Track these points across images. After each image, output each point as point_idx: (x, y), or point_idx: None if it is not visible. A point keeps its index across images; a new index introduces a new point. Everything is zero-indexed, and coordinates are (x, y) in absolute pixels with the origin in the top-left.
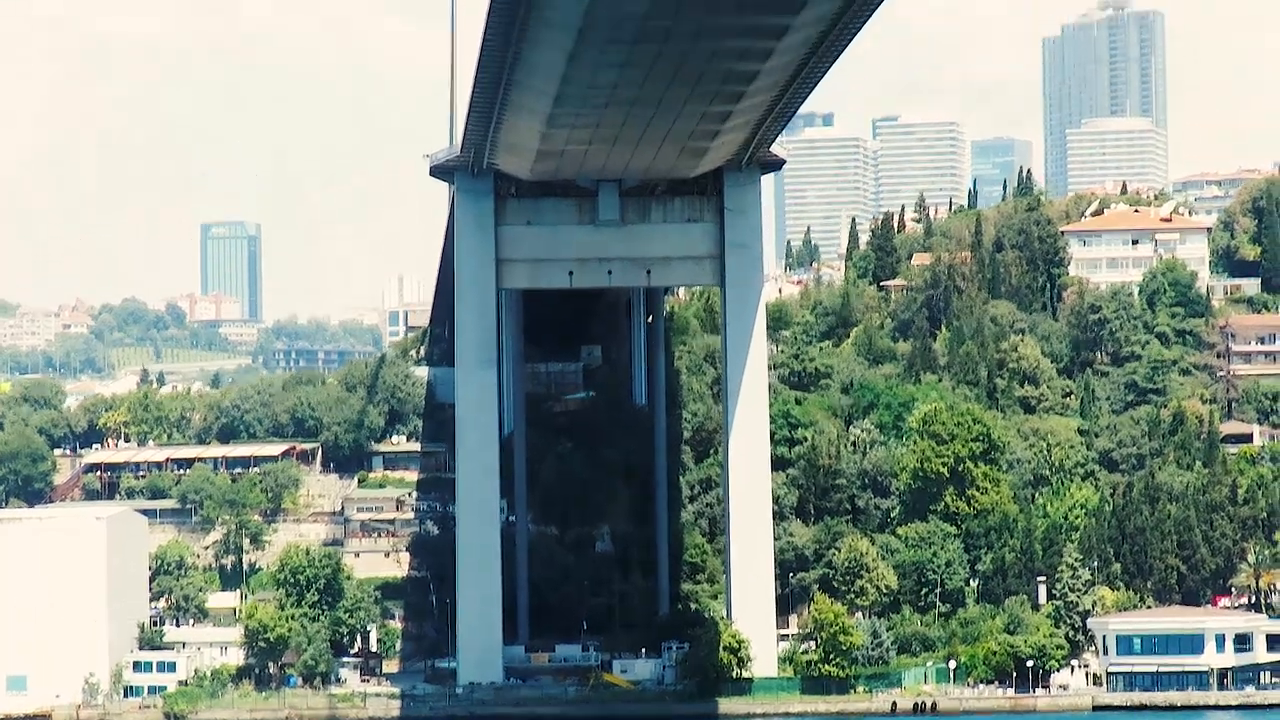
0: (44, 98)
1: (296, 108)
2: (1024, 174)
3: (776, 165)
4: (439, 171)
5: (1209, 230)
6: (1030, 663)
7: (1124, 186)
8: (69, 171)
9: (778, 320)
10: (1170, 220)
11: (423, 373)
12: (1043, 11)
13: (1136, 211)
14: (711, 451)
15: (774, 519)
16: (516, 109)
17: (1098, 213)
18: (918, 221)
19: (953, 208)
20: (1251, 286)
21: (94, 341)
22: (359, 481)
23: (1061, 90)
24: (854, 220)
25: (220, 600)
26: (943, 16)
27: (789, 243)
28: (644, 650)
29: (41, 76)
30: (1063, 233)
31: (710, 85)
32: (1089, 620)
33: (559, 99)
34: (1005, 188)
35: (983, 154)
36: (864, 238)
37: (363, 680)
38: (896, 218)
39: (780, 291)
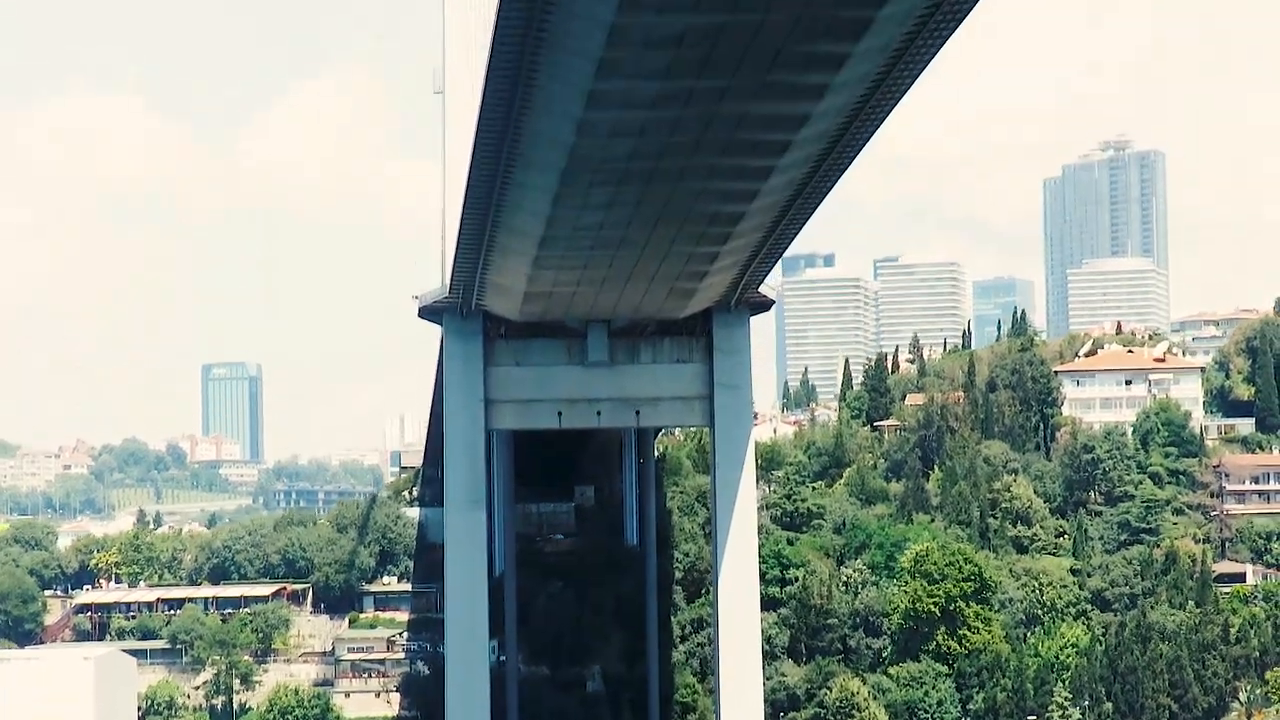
0: (44, 238)
1: (297, 248)
2: (1019, 314)
3: (765, 306)
4: (428, 313)
5: (1203, 370)
6: None
7: (1119, 327)
8: (70, 312)
9: (770, 461)
10: (1164, 360)
11: (414, 513)
12: (1044, 152)
13: (1130, 352)
14: (703, 592)
15: (765, 659)
16: (503, 251)
17: (1091, 353)
18: (912, 362)
19: (947, 348)
20: (1246, 426)
21: (94, 482)
22: (350, 622)
23: (1063, 230)
24: (847, 361)
25: None
26: (945, 156)
27: (786, 383)
28: None
29: (42, 218)
30: (1056, 373)
31: (696, 226)
32: None
33: (544, 241)
34: (1000, 328)
35: (984, 294)
36: (859, 378)
37: None
38: (891, 358)
39: (775, 432)
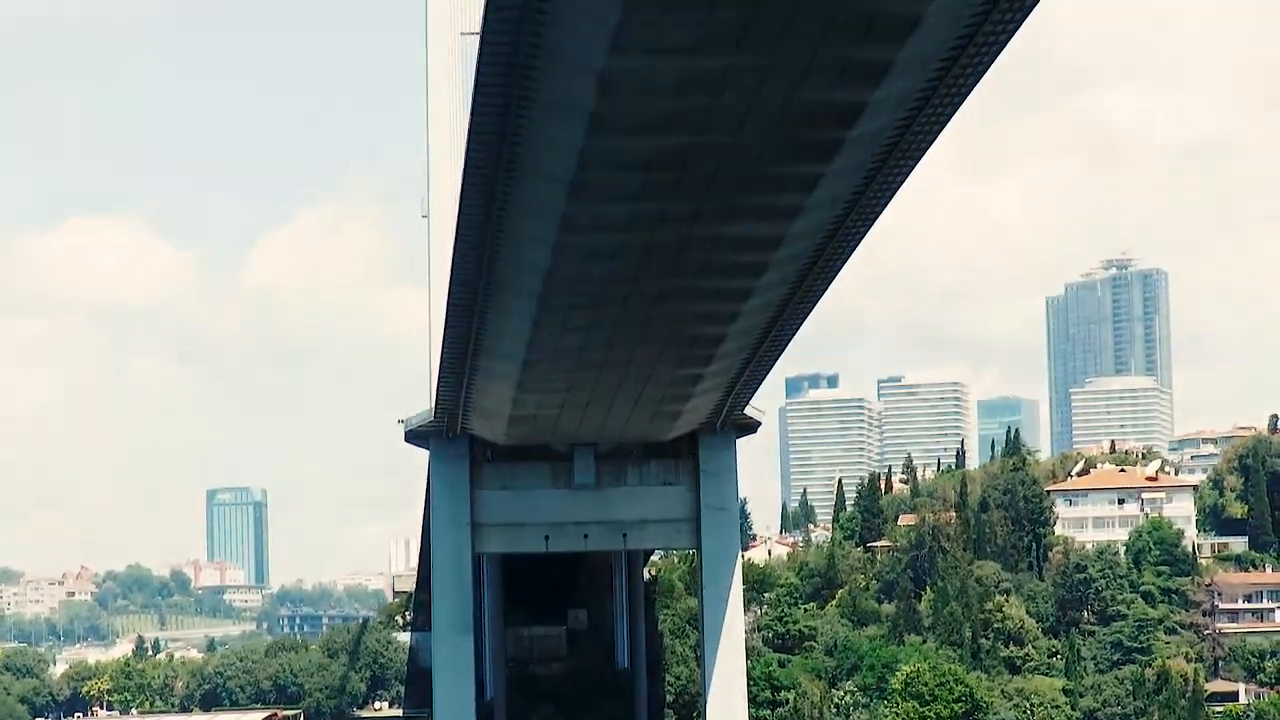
0: (51, 363)
1: (302, 373)
2: (1012, 433)
3: (752, 428)
4: (414, 437)
5: (1195, 488)
6: None
7: (1112, 445)
8: (73, 438)
9: (763, 583)
10: (1156, 479)
11: (405, 638)
12: (1047, 269)
13: (1123, 471)
14: (695, 715)
15: None
16: (486, 374)
17: (1084, 472)
18: (905, 482)
19: (940, 468)
20: (1239, 544)
21: (98, 609)
22: None
23: (1066, 348)
24: (840, 482)
25: None
26: (950, 275)
27: (785, 504)
28: None
29: (49, 342)
30: (1049, 492)
31: (677, 349)
32: None
33: (527, 365)
34: (993, 447)
35: (989, 413)
36: (852, 499)
37: None
38: (884, 478)
39: (770, 553)
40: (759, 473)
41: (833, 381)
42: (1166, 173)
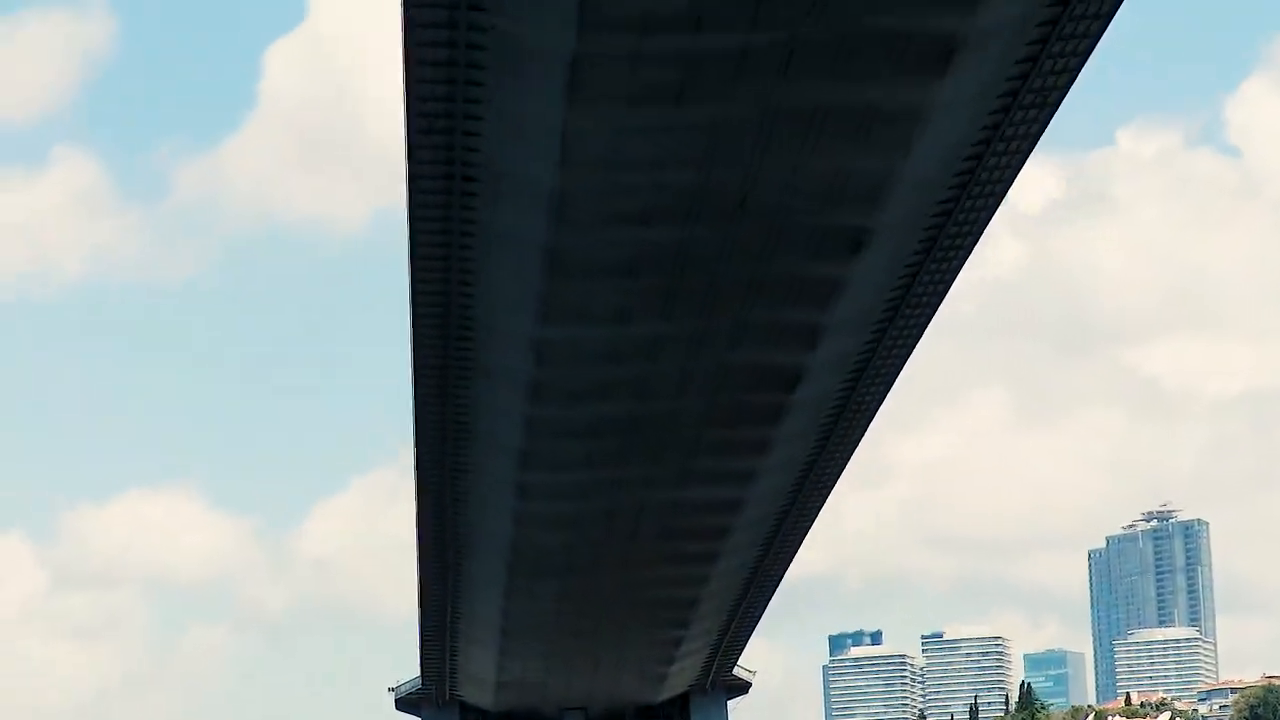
0: (109, 638)
1: (354, 640)
2: (1025, 688)
3: (743, 689)
4: (404, 705)
5: None
6: None
7: (1127, 698)
8: (131, 710)
9: None
10: None
11: None
12: (1090, 521)
13: None
14: None
15: None
16: (468, 640)
17: None
18: None
19: None
20: None
21: None
22: None
23: (1109, 600)
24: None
25: None
26: (993, 528)
27: None
28: None
29: (105, 616)
30: None
31: (651, 612)
32: None
33: (505, 631)
34: (1007, 703)
35: (1036, 666)
36: None
37: None
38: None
39: None
40: None
41: (876, 638)
42: (1209, 423)
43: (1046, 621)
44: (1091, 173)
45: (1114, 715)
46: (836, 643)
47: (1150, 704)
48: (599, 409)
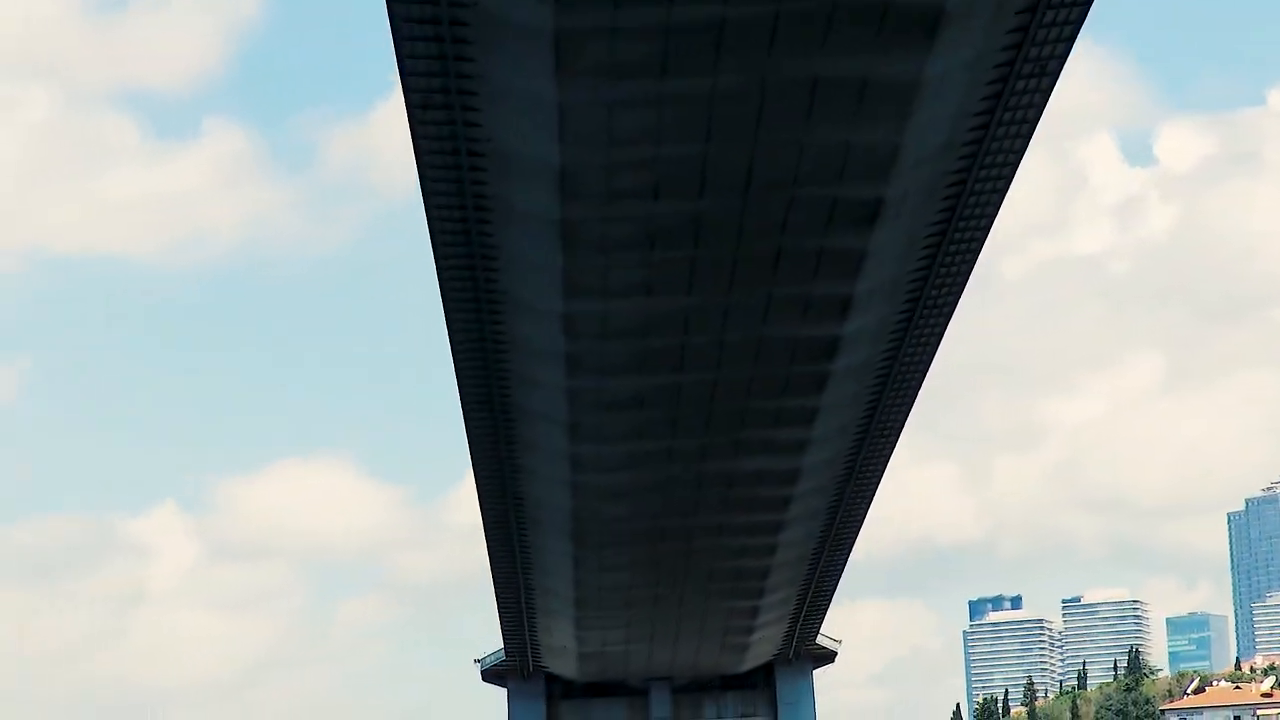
0: (267, 609)
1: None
2: (1133, 653)
3: (828, 658)
4: (491, 677)
5: None
6: None
7: (1237, 663)
8: (288, 690)
9: None
10: (1272, 695)
11: None
12: (1236, 485)
13: (1238, 688)
14: None
15: None
16: (545, 612)
17: (1199, 690)
18: (1025, 705)
19: (1063, 689)
20: None
21: None
22: None
23: (1250, 562)
24: (958, 706)
25: None
26: (1139, 493)
27: None
28: None
29: (260, 586)
30: (1163, 711)
31: (724, 583)
32: None
33: (579, 602)
34: (1116, 668)
35: (1179, 629)
36: None
37: None
38: (1001, 701)
39: None
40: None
41: (1016, 602)
42: None
43: (1196, 584)
44: (1242, 132)
45: (1219, 680)
46: (976, 608)
47: (1258, 669)
48: (639, 381)
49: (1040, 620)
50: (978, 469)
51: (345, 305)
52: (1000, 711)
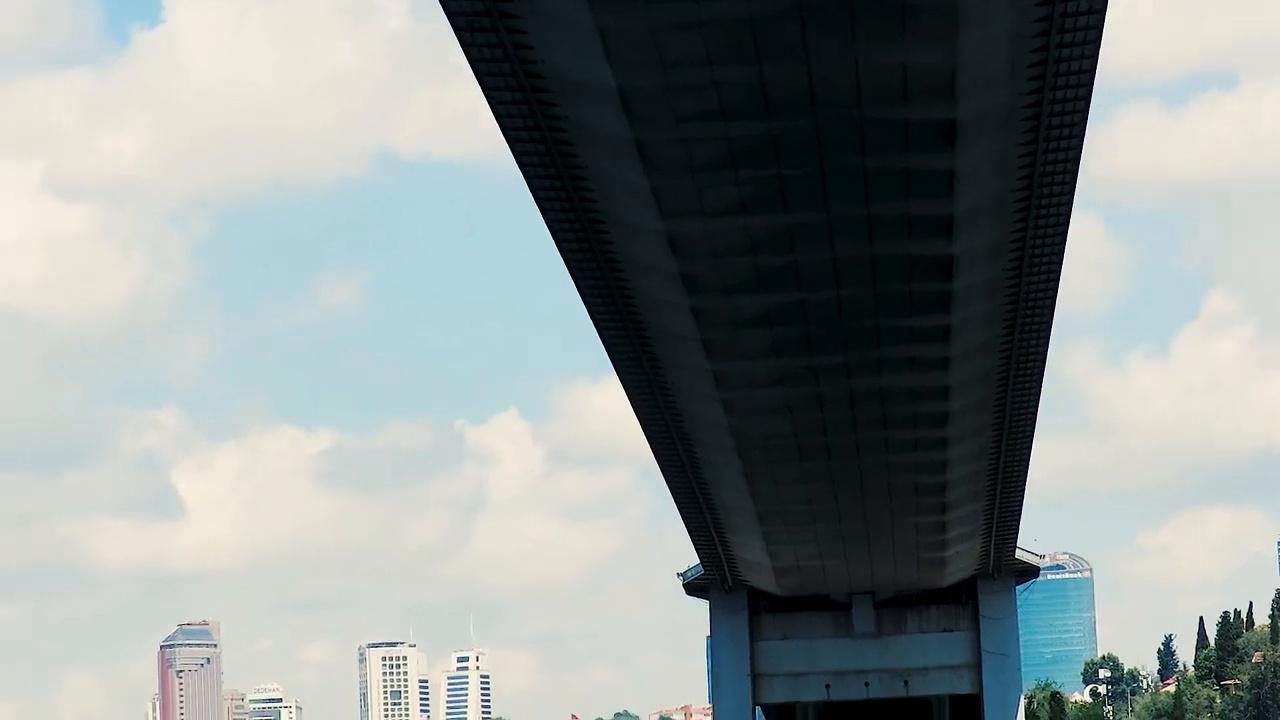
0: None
1: None
2: (1225, 619)
3: (1032, 573)
4: (693, 589)
5: None
6: None
7: None
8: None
9: None
10: None
11: None
12: None
13: None
14: None
15: None
16: (733, 529)
17: None
18: (1272, 617)
19: None
20: None
21: None
22: None
23: None
24: (1202, 620)
25: None
26: None
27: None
28: None
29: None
30: None
31: (903, 498)
32: None
33: (763, 518)
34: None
35: None
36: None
37: None
38: (1246, 614)
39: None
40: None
41: None
42: None
43: None
44: None
45: None
46: None
47: None
48: (762, 299)
49: None
50: None
51: None
52: (1246, 623)
